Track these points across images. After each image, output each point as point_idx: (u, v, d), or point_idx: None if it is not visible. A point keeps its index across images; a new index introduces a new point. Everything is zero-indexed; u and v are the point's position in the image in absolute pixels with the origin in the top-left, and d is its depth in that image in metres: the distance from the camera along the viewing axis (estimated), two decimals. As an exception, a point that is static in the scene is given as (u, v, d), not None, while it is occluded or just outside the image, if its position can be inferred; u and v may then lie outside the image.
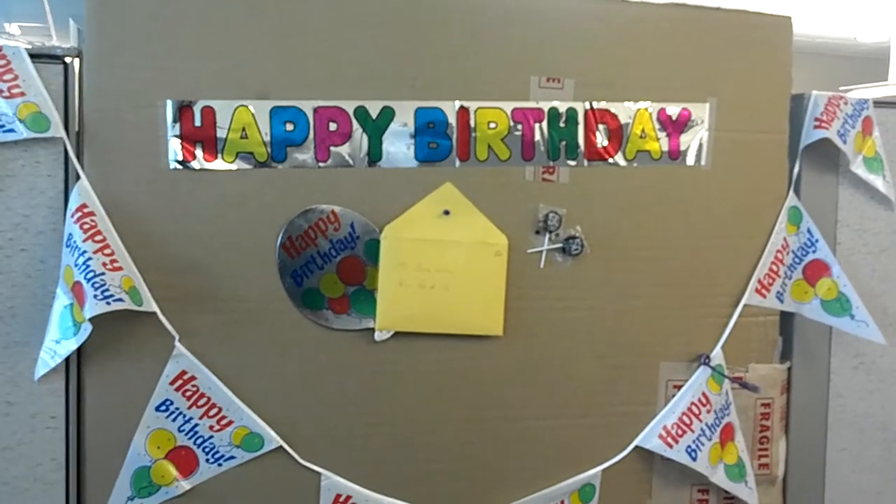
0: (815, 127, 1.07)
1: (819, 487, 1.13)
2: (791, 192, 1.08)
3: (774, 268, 1.08)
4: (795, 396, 1.12)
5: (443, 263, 1.00)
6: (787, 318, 1.11)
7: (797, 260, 1.10)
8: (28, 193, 0.94)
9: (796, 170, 1.08)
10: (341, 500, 1.01)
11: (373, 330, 1.00)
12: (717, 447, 1.07)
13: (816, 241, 1.09)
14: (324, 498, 1.01)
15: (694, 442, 1.05)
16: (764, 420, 1.10)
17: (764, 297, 1.08)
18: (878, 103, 1.11)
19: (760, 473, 1.10)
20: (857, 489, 1.14)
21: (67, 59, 0.94)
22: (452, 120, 1.00)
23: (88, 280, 0.91)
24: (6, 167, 0.94)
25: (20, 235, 0.95)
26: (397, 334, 1.01)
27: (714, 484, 1.07)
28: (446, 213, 1.00)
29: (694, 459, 1.05)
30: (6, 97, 0.93)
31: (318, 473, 1.00)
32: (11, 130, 0.93)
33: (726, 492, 1.08)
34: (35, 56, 0.94)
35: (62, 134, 0.94)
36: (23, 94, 0.93)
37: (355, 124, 0.98)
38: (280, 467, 1.00)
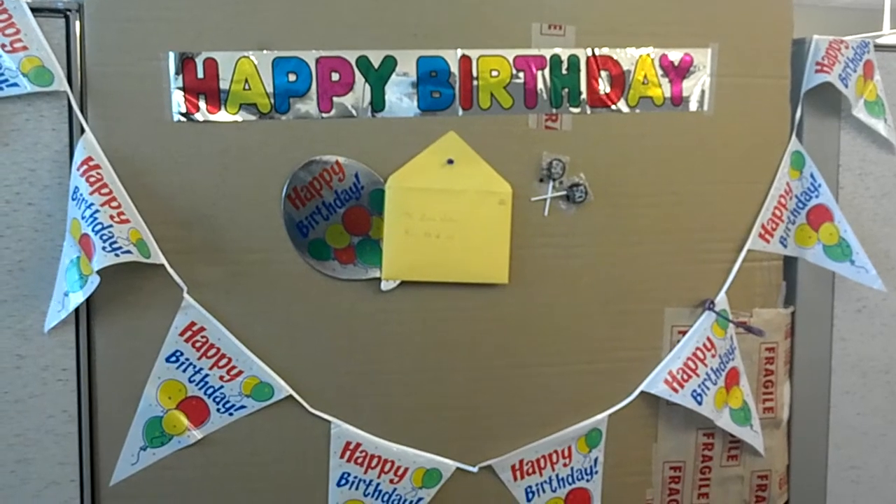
0: (817, 71, 1.08)
1: (823, 430, 1.16)
2: (793, 137, 1.10)
3: (778, 213, 1.10)
4: (799, 340, 1.14)
5: (447, 212, 1.02)
6: (790, 263, 1.13)
7: (800, 205, 1.11)
8: (33, 148, 0.96)
9: (798, 114, 1.09)
10: (351, 447, 1.03)
11: (379, 279, 1.02)
12: (722, 391, 1.09)
13: (819, 185, 1.10)
14: (334, 445, 1.03)
15: (699, 386, 1.08)
16: (768, 364, 1.12)
17: (767, 242, 1.10)
18: (879, 47, 1.12)
19: (765, 417, 1.12)
20: (860, 431, 1.17)
21: (69, 13, 0.95)
22: (455, 69, 1.01)
23: (96, 232, 0.92)
24: (11, 122, 0.95)
25: (26, 190, 0.96)
26: (403, 283, 1.02)
27: (719, 427, 1.09)
28: (450, 162, 1.02)
29: (699, 403, 1.07)
30: (9, 51, 0.94)
31: (328, 421, 1.02)
32: (15, 85, 0.94)
33: (731, 435, 1.10)
34: (36, 10, 0.95)
35: (65, 88, 0.95)
36: (25, 48, 0.94)
37: (357, 74, 0.99)
38: (290, 416, 1.02)
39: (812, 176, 1.10)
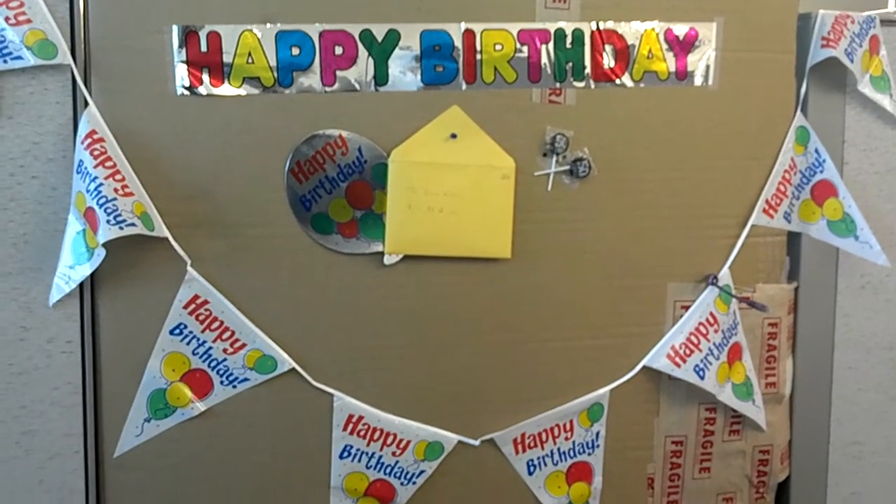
0: (822, 46, 1.10)
1: (825, 406, 1.18)
2: (798, 112, 1.11)
3: (782, 188, 1.12)
4: (802, 316, 1.16)
5: (450, 187, 1.04)
6: (794, 239, 1.15)
7: (805, 180, 1.13)
8: (37, 121, 0.98)
9: (803, 89, 1.11)
10: (353, 420, 1.06)
11: (382, 254, 1.04)
12: (724, 366, 1.11)
13: (824, 161, 1.12)
14: (336, 418, 1.06)
15: (702, 361, 1.10)
16: (771, 340, 1.14)
17: (771, 217, 1.12)
18: (885, 22, 1.14)
19: (767, 392, 1.15)
20: (863, 407, 1.19)
21: (72, -15, 0.98)
22: (458, 42, 1.03)
23: (101, 205, 0.95)
24: (15, 95, 0.97)
25: (31, 163, 0.99)
26: (406, 258, 1.05)
27: (721, 402, 1.12)
28: (453, 136, 1.04)
29: (702, 378, 1.10)
30: (13, 24, 0.96)
31: (331, 395, 1.05)
32: (19, 58, 0.96)
33: (734, 410, 1.13)
34: (40, -18, 0.97)
35: (69, 61, 0.97)
36: (29, 21, 0.96)
37: (361, 48, 1.01)
38: (293, 389, 1.05)
39: (817, 151, 1.12)
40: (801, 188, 1.13)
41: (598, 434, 1.12)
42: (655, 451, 1.14)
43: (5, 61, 0.96)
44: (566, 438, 1.12)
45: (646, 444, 1.14)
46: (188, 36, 0.98)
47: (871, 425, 1.20)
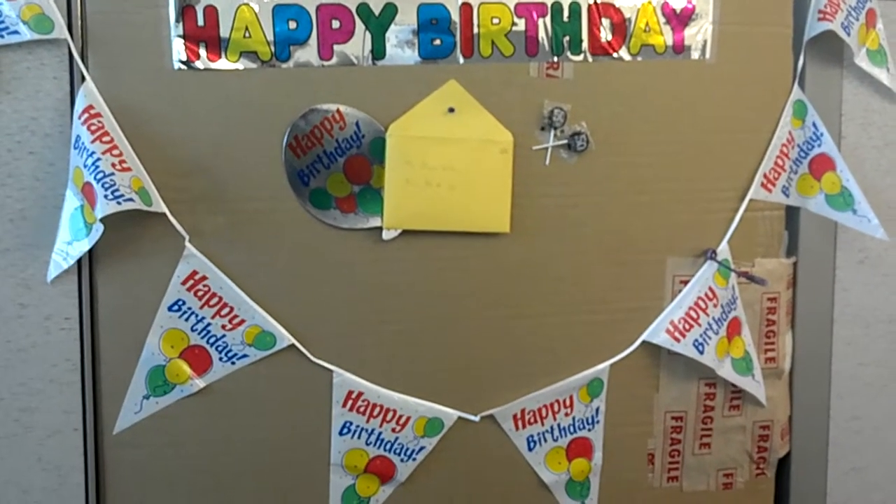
0: (819, 19, 1.13)
1: (825, 380, 1.22)
2: (796, 86, 1.15)
3: (780, 162, 1.15)
4: (801, 290, 1.19)
5: (448, 161, 1.07)
6: (792, 213, 1.18)
7: (803, 154, 1.16)
8: (34, 96, 1.01)
9: (800, 63, 1.14)
10: (353, 396, 1.09)
11: (380, 229, 1.07)
12: (723, 341, 1.14)
13: (822, 134, 1.15)
14: (336, 394, 1.09)
15: (701, 336, 1.13)
16: (770, 314, 1.17)
17: (770, 191, 1.15)
18: (882, -5, 1.17)
19: (767, 367, 1.18)
20: (863, 382, 1.22)
21: (68, -41, 1.00)
22: (455, 16, 1.05)
23: (98, 181, 0.97)
24: (12, 70, 1.00)
25: (28, 138, 1.01)
26: (405, 233, 1.08)
27: (721, 377, 1.15)
28: (451, 110, 1.07)
29: (701, 353, 1.13)
30: (9, -1, 0.99)
31: (330, 371, 1.08)
32: (15, 32, 0.99)
33: (733, 385, 1.16)
34: (35, -44, 0.99)
35: (66, 35, 1.00)
36: (25, -6, 0.99)
37: (358, 22, 1.04)
38: (292, 365, 1.08)
39: (814, 125, 1.15)
40: (798, 162, 1.16)
41: (597, 410, 1.15)
42: (655, 427, 1.17)
43: (1, 36, 0.98)
44: (566, 414, 1.15)
45: (646, 419, 1.17)
46: (185, 10, 1.01)
47: (871, 400, 1.23)
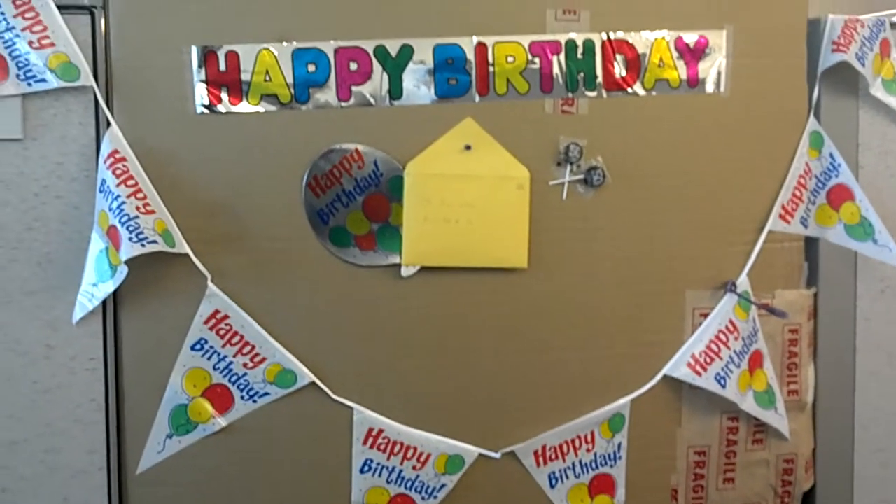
0: (833, 51, 1.16)
1: (849, 412, 1.23)
2: (811, 117, 1.18)
3: (797, 193, 1.18)
4: (822, 322, 1.22)
5: (466, 198, 1.11)
6: (811, 244, 1.21)
7: (820, 184, 1.19)
8: (61, 141, 1.06)
9: (816, 94, 1.18)
10: (373, 433, 1.12)
11: (399, 266, 1.11)
12: (745, 374, 1.17)
13: (839, 165, 1.19)
14: (356, 432, 1.12)
15: (722, 369, 1.16)
16: (792, 346, 1.20)
17: (788, 222, 1.18)
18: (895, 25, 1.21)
19: (790, 400, 1.20)
20: (886, 413, 1.24)
21: (94, 10, 1.06)
22: (471, 55, 1.10)
23: (123, 223, 1.02)
24: (39, 116, 1.05)
25: (54, 183, 1.06)
26: (423, 269, 1.11)
27: (744, 411, 1.17)
28: (468, 147, 1.11)
29: (723, 387, 1.15)
30: (36, 48, 1.04)
31: (350, 408, 1.11)
32: (43, 80, 1.04)
33: (756, 419, 1.19)
34: (63, 7, 1.05)
35: (92, 82, 1.05)
36: (52, 44, 1.05)
37: (375, 63, 1.09)
38: (313, 403, 1.11)
39: (831, 155, 1.19)
40: (816, 193, 1.19)
41: (619, 445, 1.18)
42: (678, 462, 1.19)
43: (29, 84, 1.04)
44: (588, 450, 1.17)
45: (668, 454, 1.19)
46: (207, 56, 1.06)
47: (896, 431, 1.25)
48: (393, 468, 1.13)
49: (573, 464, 1.17)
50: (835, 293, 1.22)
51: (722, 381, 1.15)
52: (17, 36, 1.04)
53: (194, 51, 1.06)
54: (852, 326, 1.22)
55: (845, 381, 1.23)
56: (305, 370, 1.10)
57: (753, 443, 1.20)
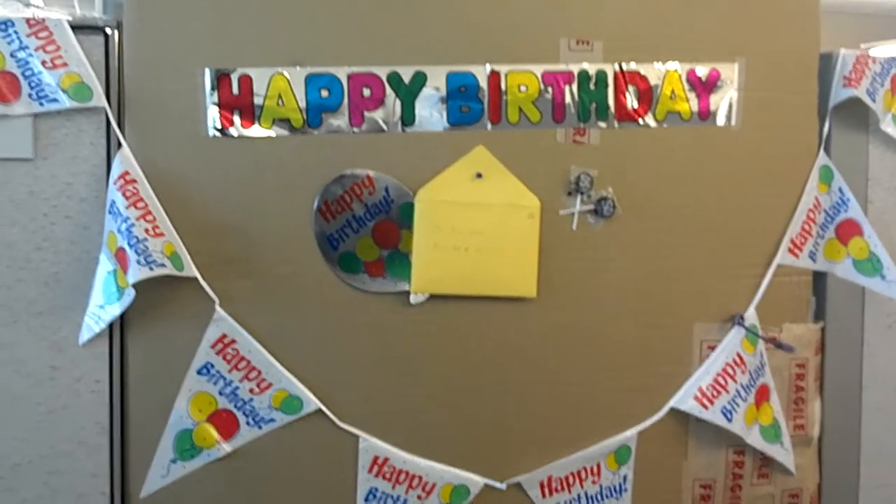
0: (844, 86, 1.18)
1: (855, 447, 1.25)
2: (821, 151, 1.20)
3: (807, 227, 1.19)
4: (829, 356, 1.23)
5: (476, 226, 1.12)
6: (819, 278, 1.23)
7: (829, 219, 1.21)
8: (71, 162, 1.07)
9: (826, 129, 1.20)
10: (379, 461, 1.13)
11: (408, 293, 1.12)
12: (752, 408, 1.18)
13: (848, 199, 1.20)
14: (362, 459, 1.12)
15: (729, 403, 1.16)
16: (799, 381, 1.21)
17: (797, 256, 1.19)
18: (907, 62, 1.22)
19: (796, 434, 1.21)
20: (892, 448, 1.25)
21: (108, 30, 1.07)
22: (483, 84, 1.11)
23: (131, 246, 1.03)
24: (50, 136, 1.06)
25: (64, 203, 1.07)
26: (432, 297, 1.12)
27: (750, 445, 1.18)
28: (479, 175, 1.12)
29: (729, 420, 1.16)
30: (49, 68, 1.05)
31: (356, 436, 1.12)
32: (55, 100, 1.05)
33: (762, 453, 1.19)
34: (76, 27, 1.06)
35: (104, 103, 1.06)
36: (65, 64, 1.05)
37: (388, 89, 1.10)
38: (319, 430, 1.12)
39: (841, 190, 1.20)
40: (825, 227, 1.21)
41: (625, 477, 1.18)
42: (684, 495, 1.20)
43: (41, 104, 1.05)
44: (593, 482, 1.18)
45: (674, 487, 1.20)
46: (220, 79, 1.07)
47: (902, 468, 1.26)
48: (398, 497, 1.14)
49: (579, 495, 1.17)
50: (842, 328, 1.23)
51: (728, 415, 1.16)
52: (31, 55, 1.05)
53: (207, 73, 1.07)
54: (859, 361, 1.24)
55: (851, 417, 1.24)
56: (312, 397, 1.11)
57: (759, 477, 1.21)
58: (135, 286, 1.02)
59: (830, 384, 1.23)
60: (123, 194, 1.05)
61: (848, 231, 1.21)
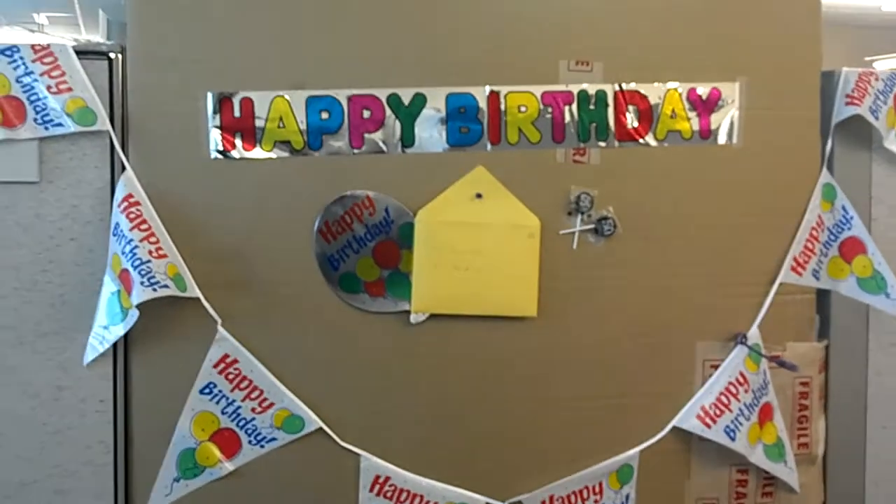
0: (847, 104, 1.18)
1: (860, 466, 1.25)
2: (824, 170, 1.20)
3: (810, 245, 1.19)
4: (833, 375, 1.23)
5: (476, 246, 1.13)
6: (823, 297, 1.23)
7: (832, 237, 1.21)
8: (76, 185, 1.09)
9: (829, 147, 1.20)
10: (380, 480, 1.14)
11: (409, 312, 1.13)
12: (755, 427, 1.18)
13: (851, 217, 1.20)
14: (363, 479, 1.14)
15: (732, 422, 1.17)
16: (802, 399, 1.21)
17: (800, 274, 1.19)
18: (911, 78, 1.22)
19: (800, 453, 1.22)
20: (898, 467, 1.25)
21: (112, 55, 1.09)
22: (483, 104, 1.13)
23: (135, 267, 1.05)
24: (55, 160, 1.09)
25: (69, 225, 1.09)
26: (433, 316, 1.14)
27: (753, 464, 1.18)
28: (479, 196, 1.13)
29: (732, 439, 1.16)
30: (54, 93, 1.08)
31: (358, 455, 1.13)
32: (60, 125, 1.08)
33: (766, 472, 1.20)
34: (81, 52, 1.09)
35: (108, 127, 1.08)
36: (70, 89, 1.08)
37: (388, 111, 1.12)
38: (320, 449, 1.13)
39: (844, 208, 1.20)
40: (829, 245, 1.21)
41: (627, 497, 1.19)
42: (687, 514, 1.20)
43: (46, 128, 1.08)
44: (595, 501, 1.18)
45: (677, 506, 1.20)
46: (222, 102, 1.09)
47: (908, 487, 1.26)
48: (399, 516, 1.15)
49: (580, 515, 1.19)
50: (846, 346, 1.23)
51: (731, 434, 1.17)
52: (36, 80, 1.07)
53: (209, 97, 1.09)
54: (864, 380, 1.24)
55: (856, 435, 1.24)
56: (313, 416, 1.12)
57: (763, 496, 1.21)
58: (138, 307, 1.04)
59: (835, 402, 1.23)
60: (127, 216, 1.07)
61: (851, 249, 1.21)
